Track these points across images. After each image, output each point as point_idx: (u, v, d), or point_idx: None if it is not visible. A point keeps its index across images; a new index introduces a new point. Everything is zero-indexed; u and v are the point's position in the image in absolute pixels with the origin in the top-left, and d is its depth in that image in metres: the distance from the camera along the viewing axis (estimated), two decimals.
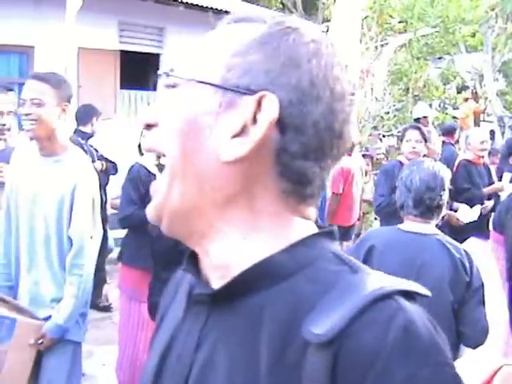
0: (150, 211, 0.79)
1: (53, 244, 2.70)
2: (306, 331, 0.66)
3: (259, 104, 0.72)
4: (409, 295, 0.71)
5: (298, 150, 0.73)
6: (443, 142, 6.52)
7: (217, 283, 0.76)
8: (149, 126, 0.79)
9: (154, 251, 2.93)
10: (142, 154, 3.97)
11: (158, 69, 9.24)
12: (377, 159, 8.67)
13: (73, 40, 7.08)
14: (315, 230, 0.79)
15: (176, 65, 0.79)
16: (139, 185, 3.68)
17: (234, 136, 0.72)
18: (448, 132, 6.89)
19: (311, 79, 0.73)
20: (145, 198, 3.69)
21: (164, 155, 0.76)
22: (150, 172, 3.67)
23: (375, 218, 7.91)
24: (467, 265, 2.42)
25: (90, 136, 5.32)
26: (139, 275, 3.70)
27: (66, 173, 2.71)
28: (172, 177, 0.75)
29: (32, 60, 8.10)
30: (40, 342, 2.62)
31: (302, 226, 0.77)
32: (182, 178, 0.75)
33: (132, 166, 3.78)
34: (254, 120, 0.72)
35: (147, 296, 3.00)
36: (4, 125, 3.29)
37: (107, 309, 5.42)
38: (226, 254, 0.76)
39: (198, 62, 0.77)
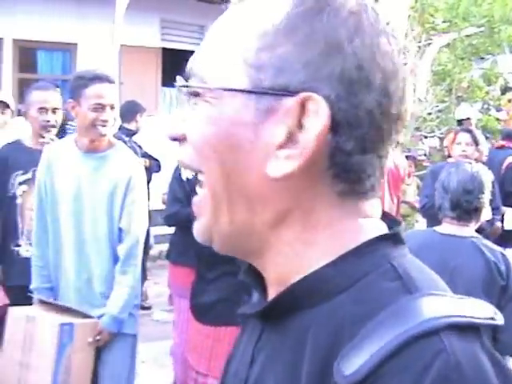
0: (199, 233, 0.71)
1: (103, 239, 2.69)
2: (336, 369, 0.57)
3: (303, 106, 0.61)
4: (470, 326, 0.58)
5: (355, 145, 0.62)
6: (503, 146, 6.50)
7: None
8: (177, 140, 0.70)
9: (200, 251, 2.89)
10: None
11: None
12: (418, 160, 8.55)
13: (116, 38, 7.14)
14: (378, 229, 0.68)
15: (194, 69, 0.68)
16: (185, 183, 3.71)
17: (280, 147, 0.62)
18: (508, 136, 6.87)
19: (357, 63, 0.61)
20: (190, 196, 3.70)
21: (201, 172, 0.68)
22: None
23: (416, 221, 7.79)
24: (503, 268, 2.38)
25: (134, 133, 5.33)
26: (188, 273, 3.69)
27: (116, 167, 2.69)
28: (216, 198, 0.67)
29: (75, 57, 8.20)
30: (98, 338, 2.61)
31: (362, 229, 0.66)
32: (228, 199, 0.66)
33: (178, 165, 3.82)
34: (300, 124, 0.62)
35: (190, 296, 2.97)
36: (48, 121, 3.29)
37: (146, 306, 5.43)
38: (281, 272, 0.68)
39: (220, 63, 0.65)
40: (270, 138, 0.62)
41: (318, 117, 0.60)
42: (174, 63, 8.87)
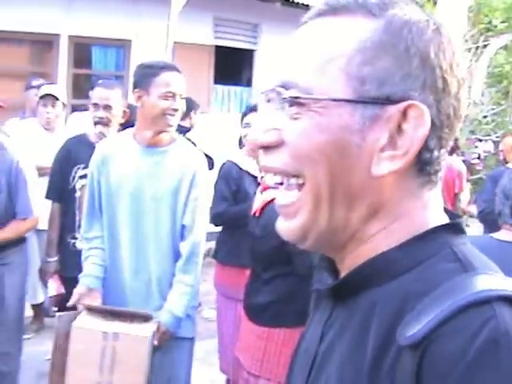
0: (291, 232, 0.78)
1: (165, 237, 2.61)
2: (399, 333, 0.65)
3: (404, 113, 0.71)
4: None
5: (436, 143, 0.73)
6: None
7: None
8: (266, 147, 0.77)
9: (256, 251, 2.85)
10: (241, 147, 3.94)
11: (251, 65, 9.29)
12: (471, 164, 8.36)
13: (170, 35, 7.18)
14: (441, 219, 0.77)
15: (294, 81, 0.74)
16: (231, 182, 3.69)
17: (382, 149, 0.72)
18: None
19: (442, 75, 0.71)
20: (236, 195, 3.68)
21: (295, 176, 0.75)
22: (241, 169, 3.66)
23: (467, 225, 7.62)
24: None
25: (188, 130, 5.32)
26: (236, 273, 3.65)
27: (180, 162, 2.62)
28: (317, 200, 0.74)
29: (129, 54, 8.27)
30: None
31: (429, 217, 0.76)
32: (330, 198, 0.74)
33: (223, 164, 3.81)
34: (399, 129, 0.71)
35: (244, 296, 2.92)
36: (100, 118, 3.32)
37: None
38: (357, 258, 0.77)
39: (323, 76, 0.73)
40: (374, 142, 0.71)
41: (422, 122, 0.70)
42: (226, 61, 8.89)
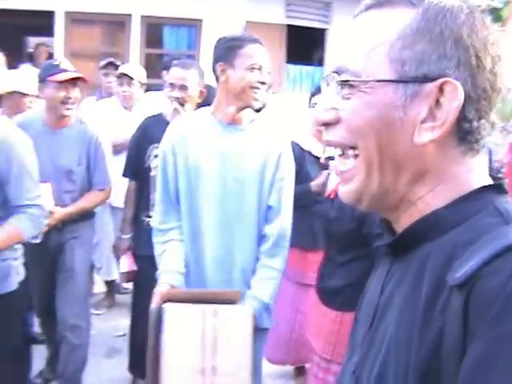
0: (349, 195, 0.90)
1: (250, 219, 2.48)
2: (449, 276, 0.74)
3: (441, 89, 0.80)
4: None
5: (475, 114, 0.82)
6: None
7: None
8: (327, 124, 0.89)
9: (331, 234, 2.77)
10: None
11: (323, 44, 9.14)
12: None
13: (241, 14, 7.14)
14: (485, 181, 0.86)
15: (346, 66, 0.86)
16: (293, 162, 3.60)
17: (423, 121, 0.81)
18: None
19: (476, 53, 0.80)
20: (298, 175, 3.59)
21: (352, 148, 0.87)
22: (302, 149, 3.58)
23: None
24: None
25: (259, 109, 5.26)
26: (296, 255, 3.57)
27: (265, 141, 2.50)
28: (369, 167, 0.86)
29: (200, 33, 8.28)
30: None
31: (473, 180, 0.85)
32: (380, 167, 0.85)
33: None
34: (437, 102, 0.80)
35: (317, 279, 2.86)
36: (177, 98, 3.31)
37: None
38: (410, 218, 0.87)
39: (370, 61, 0.84)
40: (415, 115, 0.82)
41: (456, 96, 0.79)
42: (298, 40, 8.77)
